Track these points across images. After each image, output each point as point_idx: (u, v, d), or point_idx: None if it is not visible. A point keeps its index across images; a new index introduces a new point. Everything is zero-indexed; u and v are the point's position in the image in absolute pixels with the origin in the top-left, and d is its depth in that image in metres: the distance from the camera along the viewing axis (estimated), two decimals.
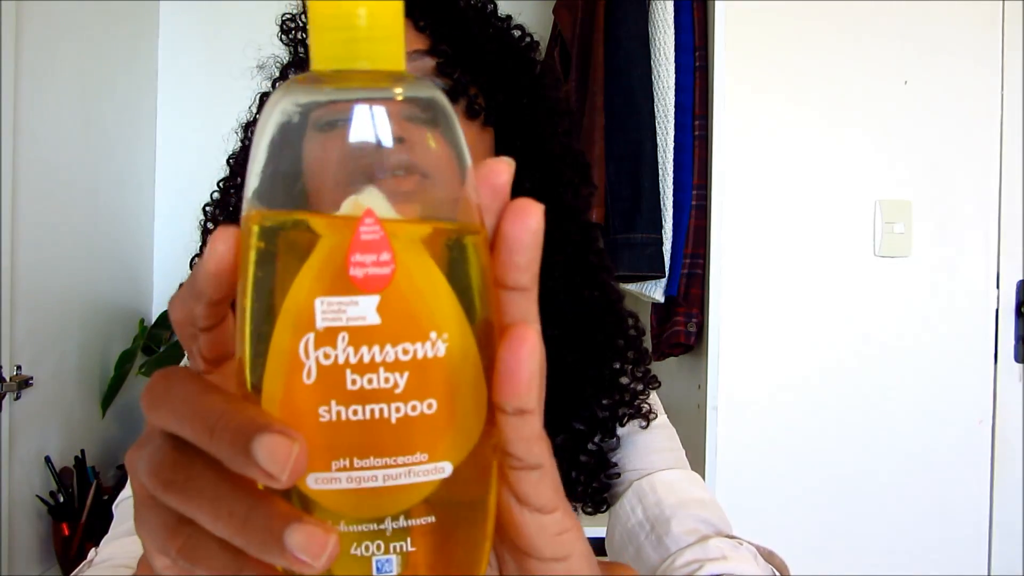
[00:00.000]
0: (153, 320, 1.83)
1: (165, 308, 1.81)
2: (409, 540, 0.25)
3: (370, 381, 0.23)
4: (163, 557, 0.25)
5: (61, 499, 1.39)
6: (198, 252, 0.65)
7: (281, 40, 0.65)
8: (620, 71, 1.43)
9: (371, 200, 0.24)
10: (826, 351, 1.44)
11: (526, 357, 0.24)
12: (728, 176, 1.41)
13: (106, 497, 1.43)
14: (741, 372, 1.42)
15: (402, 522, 0.24)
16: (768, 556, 0.59)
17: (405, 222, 0.24)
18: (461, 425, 0.25)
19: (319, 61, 0.25)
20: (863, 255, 1.45)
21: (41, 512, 1.39)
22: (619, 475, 0.65)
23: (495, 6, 0.66)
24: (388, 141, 0.24)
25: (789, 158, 1.44)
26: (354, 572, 0.24)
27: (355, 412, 0.23)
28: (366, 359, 0.23)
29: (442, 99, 0.26)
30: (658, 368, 1.56)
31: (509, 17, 0.67)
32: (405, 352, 0.24)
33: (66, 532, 1.38)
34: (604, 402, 0.64)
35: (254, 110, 0.68)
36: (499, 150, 0.60)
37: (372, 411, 0.24)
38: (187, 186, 1.87)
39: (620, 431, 0.66)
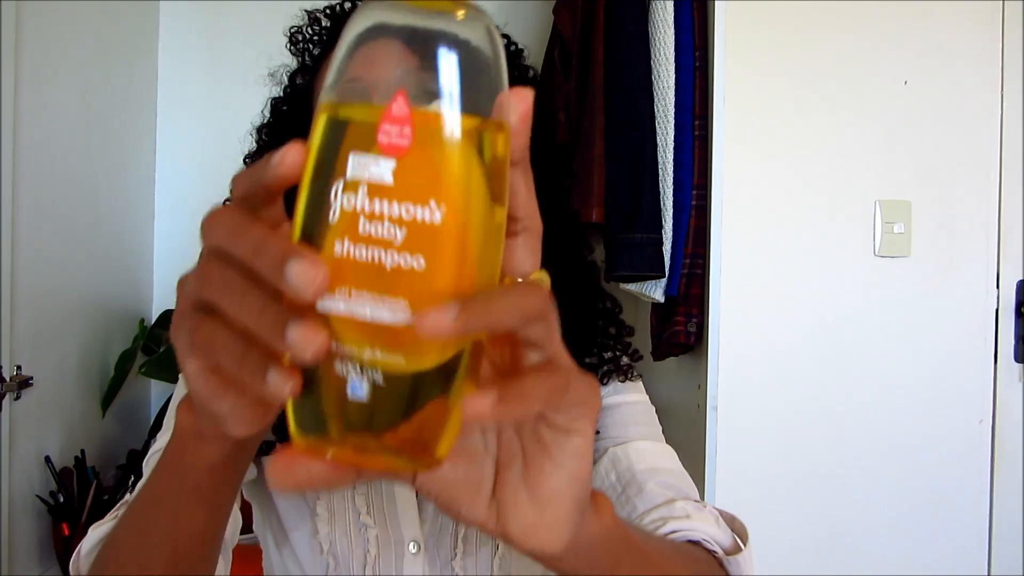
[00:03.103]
0: (153, 320, 1.83)
1: (165, 308, 1.81)
2: (380, 374, 0.29)
3: (376, 229, 0.28)
4: (192, 360, 0.33)
5: (61, 499, 1.39)
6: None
7: (289, 50, 0.71)
8: (620, 71, 1.43)
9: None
10: (826, 351, 1.44)
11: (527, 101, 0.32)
12: (728, 176, 1.41)
13: (106, 497, 1.43)
14: (741, 372, 1.42)
15: (378, 355, 0.29)
16: (730, 520, 0.62)
17: (435, 112, 0.29)
18: (442, 288, 0.28)
19: None
20: (863, 255, 1.45)
21: (41, 512, 1.39)
22: (598, 432, 0.69)
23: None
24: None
25: (789, 158, 1.44)
26: (334, 385, 0.29)
27: (360, 252, 0.28)
28: (376, 210, 0.28)
29: (490, 36, 0.31)
30: (658, 368, 1.57)
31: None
32: (407, 211, 0.28)
33: (66, 532, 1.38)
34: (586, 360, 0.70)
35: (267, 114, 0.73)
36: None
37: (372, 254, 0.28)
38: (187, 186, 1.88)
39: (604, 390, 0.72)
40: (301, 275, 0.27)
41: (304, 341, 0.28)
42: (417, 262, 0.28)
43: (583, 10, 1.52)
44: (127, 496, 0.65)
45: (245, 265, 0.29)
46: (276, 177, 0.30)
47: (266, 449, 0.67)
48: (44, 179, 1.39)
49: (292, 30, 0.70)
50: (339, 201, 0.28)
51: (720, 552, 0.58)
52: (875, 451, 1.45)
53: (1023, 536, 1.45)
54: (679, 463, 0.70)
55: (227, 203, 0.34)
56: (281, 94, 0.73)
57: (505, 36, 0.71)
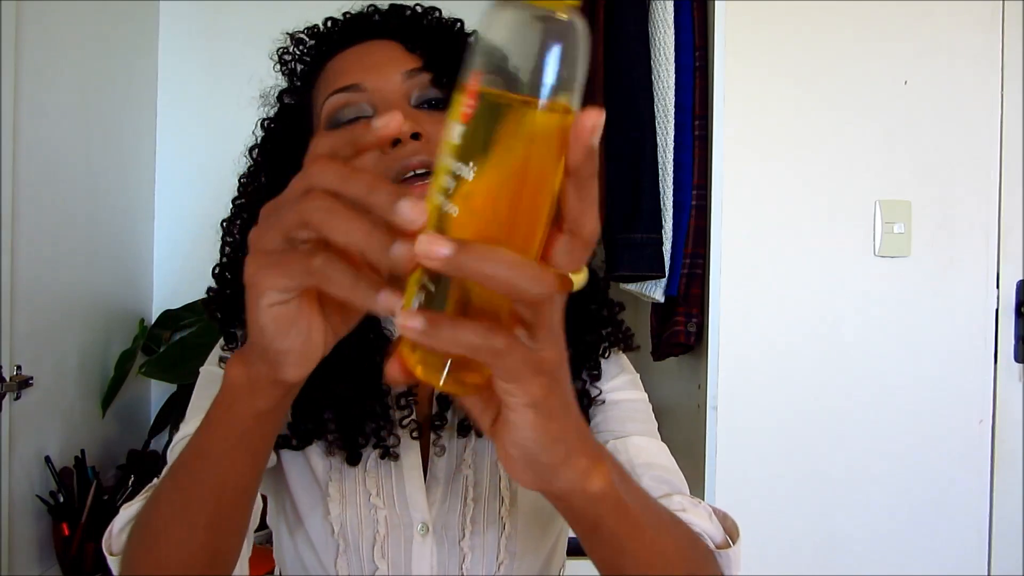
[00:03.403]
0: (153, 320, 1.83)
1: (165, 308, 1.81)
2: (435, 302, 0.36)
3: (446, 181, 0.35)
4: (271, 294, 0.39)
5: (61, 499, 1.39)
6: (220, 262, 0.73)
7: (281, 71, 0.75)
8: (620, 71, 1.43)
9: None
10: (826, 351, 1.44)
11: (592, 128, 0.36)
12: (728, 176, 1.41)
13: (106, 497, 1.43)
14: (741, 372, 1.42)
15: (430, 286, 0.36)
16: (722, 518, 0.64)
17: (498, 90, 0.35)
18: (474, 229, 0.35)
19: None
20: (863, 255, 1.45)
21: (41, 512, 1.39)
22: (604, 401, 0.75)
23: (462, 23, 0.76)
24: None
25: (789, 158, 1.44)
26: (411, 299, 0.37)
27: (438, 200, 0.35)
28: (448, 166, 0.35)
29: (580, 29, 0.38)
30: (658, 368, 1.57)
31: (475, 31, 0.74)
32: (457, 168, 0.35)
33: (66, 532, 1.38)
34: (587, 338, 0.74)
35: (259, 135, 0.76)
36: None
37: (440, 203, 0.35)
38: (187, 186, 1.88)
39: (607, 386, 0.76)
40: (409, 210, 0.34)
41: (407, 255, 0.34)
42: (454, 209, 0.35)
43: (583, 10, 1.52)
44: (154, 480, 0.67)
45: (356, 200, 0.36)
46: (376, 139, 0.39)
47: (282, 443, 0.72)
48: (44, 179, 1.39)
49: (280, 51, 0.74)
50: (444, 160, 0.36)
51: (711, 545, 0.61)
52: (875, 451, 1.45)
53: (1023, 536, 1.45)
54: (673, 460, 0.72)
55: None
56: (272, 114, 0.75)
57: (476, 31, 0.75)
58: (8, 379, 1.27)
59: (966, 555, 1.45)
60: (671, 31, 1.41)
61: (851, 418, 1.44)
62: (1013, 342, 1.46)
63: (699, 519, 0.62)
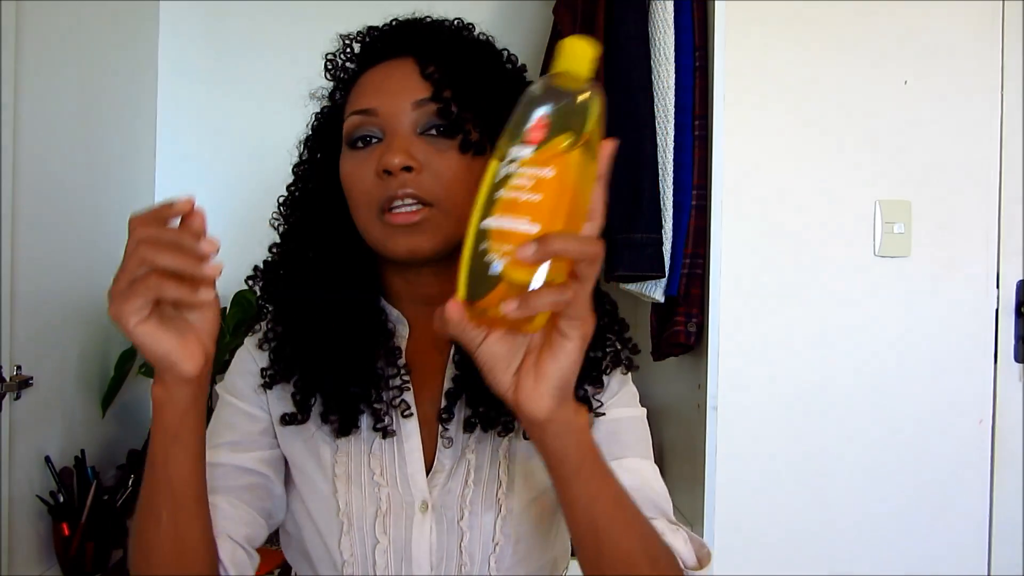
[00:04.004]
0: None
1: None
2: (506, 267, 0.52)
3: (517, 181, 0.51)
4: (137, 314, 0.56)
5: (61, 499, 1.39)
6: (272, 246, 0.83)
7: (326, 77, 0.83)
8: (620, 71, 1.43)
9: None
10: (826, 351, 1.44)
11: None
12: (728, 176, 1.41)
13: (106, 497, 1.43)
14: (741, 372, 1.42)
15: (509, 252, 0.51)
16: (699, 546, 0.72)
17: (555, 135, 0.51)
18: (548, 214, 0.51)
19: (559, 65, 0.54)
20: (863, 255, 1.45)
21: (41, 512, 1.39)
22: (604, 414, 0.79)
23: (486, 44, 0.80)
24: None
25: (789, 158, 1.44)
26: (482, 273, 0.51)
27: (507, 194, 0.52)
28: (520, 171, 0.52)
29: (595, 101, 0.53)
30: (658, 368, 1.57)
31: (505, 50, 0.81)
32: (536, 172, 0.51)
33: (66, 532, 1.38)
34: (591, 354, 0.79)
35: (309, 131, 0.85)
36: None
37: (514, 195, 0.52)
38: (187, 187, 1.87)
39: (610, 400, 0.80)
40: (206, 244, 0.54)
41: (214, 269, 0.55)
42: (535, 197, 0.50)
43: (583, 10, 1.52)
44: None
45: (170, 243, 0.53)
46: (174, 213, 0.55)
47: (288, 419, 0.78)
48: (44, 179, 1.39)
49: (327, 57, 0.82)
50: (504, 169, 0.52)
51: (681, 564, 0.69)
52: (875, 451, 1.45)
53: (1023, 536, 1.45)
54: (663, 483, 0.79)
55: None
56: (321, 111, 0.84)
57: (505, 50, 0.81)
58: (8, 379, 1.27)
59: (966, 555, 1.45)
60: (671, 31, 1.41)
61: (851, 418, 1.44)
62: (1013, 342, 1.46)
63: (675, 542, 0.70)
